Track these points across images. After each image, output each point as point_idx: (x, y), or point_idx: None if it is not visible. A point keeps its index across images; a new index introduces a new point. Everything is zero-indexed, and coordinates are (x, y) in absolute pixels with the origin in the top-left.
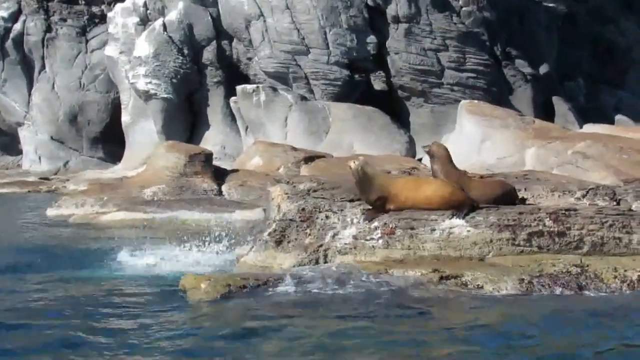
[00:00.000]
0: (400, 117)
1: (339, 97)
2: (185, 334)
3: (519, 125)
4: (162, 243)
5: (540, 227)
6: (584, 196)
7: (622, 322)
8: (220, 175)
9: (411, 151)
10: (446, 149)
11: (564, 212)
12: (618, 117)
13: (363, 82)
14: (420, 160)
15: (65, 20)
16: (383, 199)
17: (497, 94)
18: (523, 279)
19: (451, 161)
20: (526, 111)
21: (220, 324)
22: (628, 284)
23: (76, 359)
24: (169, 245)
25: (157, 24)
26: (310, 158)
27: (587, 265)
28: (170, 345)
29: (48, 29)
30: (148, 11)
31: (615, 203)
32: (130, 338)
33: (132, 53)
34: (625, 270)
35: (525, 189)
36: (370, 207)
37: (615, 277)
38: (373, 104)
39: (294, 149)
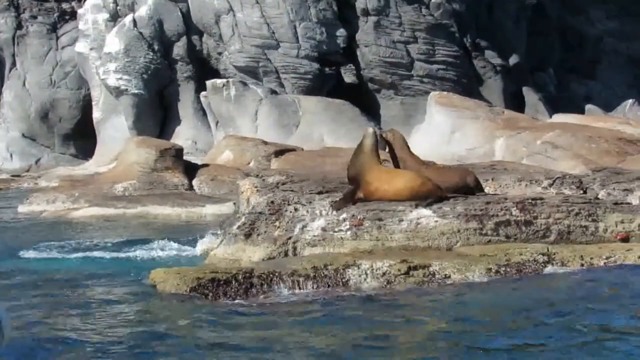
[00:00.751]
0: (371, 110)
1: (310, 91)
2: (154, 326)
3: (488, 116)
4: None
5: (508, 217)
6: (550, 185)
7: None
8: (191, 170)
9: (381, 144)
10: (402, 136)
11: (530, 201)
12: (588, 106)
13: (333, 75)
14: None
15: (35, 17)
16: (357, 181)
17: (467, 85)
18: (490, 268)
19: (408, 147)
20: (497, 102)
21: (188, 317)
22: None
23: (46, 352)
24: None
25: (127, 20)
26: (280, 151)
27: (554, 254)
28: (140, 337)
29: (18, 26)
30: (118, 7)
31: (582, 192)
32: (98, 331)
33: (102, 49)
34: (592, 258)
35: (492, 179)
36: (339, 198)
37: (582, 264)
38: (344, 96)
39: (265, 142)
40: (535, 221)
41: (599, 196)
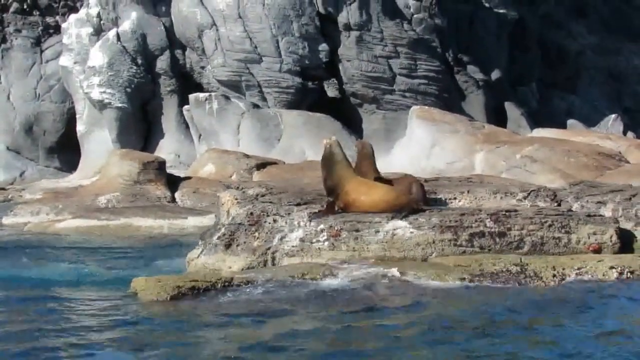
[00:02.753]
0: (352, 124)
1: (292, 105)
2: (136, 333)
3: (468, 131)
4: None
5: (482, 228)
6: (525, 198)
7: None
8: (173, 183)
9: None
10: (370, 148)
11: (504, 213)
12: (570, 121)
13: (316, 89)
14: None
15: (20, 31)
16: (335, 191)
17: (449, 100)
18: (464, 278)
19: (371, 158)
20: (479, 116)
21: (169, 324)
22: (566, 282)
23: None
24: None
25: (111, 34)
26: (262, 164)
27: (527, 264)
28: (121, 343)
29: (3, 40)
30: (102, 22)
31: (556, 204)
32: (82, 338)
33: (86, 63)
34: (564, 269)
35: (468, 192)
36: (320, 209)
37: (554, 275)
38: (326, 110)
39: (247, 156)
40: (509, 233)
41: (573, 208)
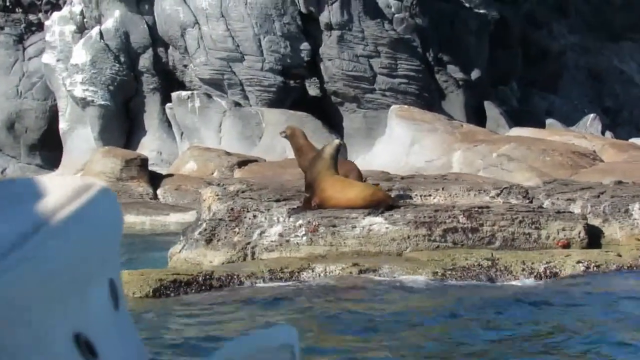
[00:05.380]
0: (333, 122)
1: (274, 103)
2: None
3: (447, 129)
4: None
5: (455, 224)
6: (498, 195)
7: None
8: (155, 180)
9: (343, 156)
10: (300, 130)
11: (477, 209)
12: (549, 121)
13: (297, 88)
14: None
15: (2, 28)
16: (312, 187)
17: (429, 99)
18: (437, 272)
19: (306, 138)
20: (459, 116)
21: (151, 316)
22: (535, 276)
23: None
24: None
25: (94, 32)
26: (243, 162)
27: (498, 259)
28: None
29: None
30: (85, 19)
31: (528, 201)
32: None
33: (69, 61)
34: (533, 263)
35: (443, 189)
36: (299, 205)
37: (524, 269)
38: (307, 109)
39: (228, 153)
40: (481, 228)
41: (544, 205)
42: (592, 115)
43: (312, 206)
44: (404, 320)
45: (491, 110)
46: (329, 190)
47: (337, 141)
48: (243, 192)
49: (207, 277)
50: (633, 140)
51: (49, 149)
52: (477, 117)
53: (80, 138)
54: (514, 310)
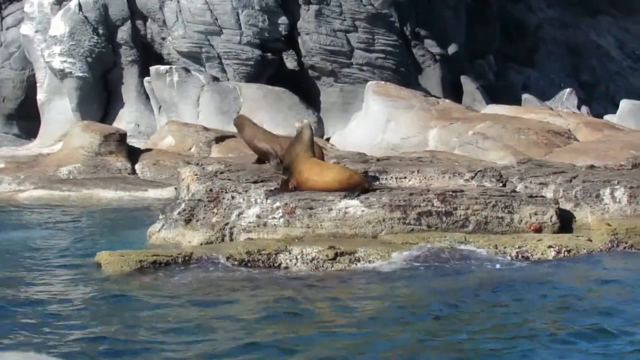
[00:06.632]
0: (310, 96)
1: (251, 77)
2: (101, 305)
3: (423, 106)
4: None
5: (429, 207)
6: (472, 178)
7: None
8: (134, 155)
9: (320, 131)
10: (247, 117)
11: (451, 193)
12: (525, 96)
13: (275, 62)
14: (328, 140)
15: None
16: (290, 170)
17: (406, 74)
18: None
19: (255, 124)
20: (435, 90)
21: (132, 296)
22: (507, 258)
23: None
24: None
25: (73, 3)
26: (221, 138)
27: (471, 242)
28: (85, 313)
29: None
30: None
31: (501, 184)
32: (47, 308)
33: (47, 32)
34: (505, 247)
35: (418, 171)
36: (276, 187)
37: (496, 253)
38: (284, 84)
39: (206, 129)
40: (455, 212)
41: (517, 189)
42: (568, 90)
43: (289, 188)
44: (377, 307)
45: (468, 84)
46: (306, 173)
47: (306, 121)
48: (221, 172)
49: (186, 258)
50: (607, 116)
51: (26, 119)
52: (453, 91)
53: (58, 109)
54: (485, 294)
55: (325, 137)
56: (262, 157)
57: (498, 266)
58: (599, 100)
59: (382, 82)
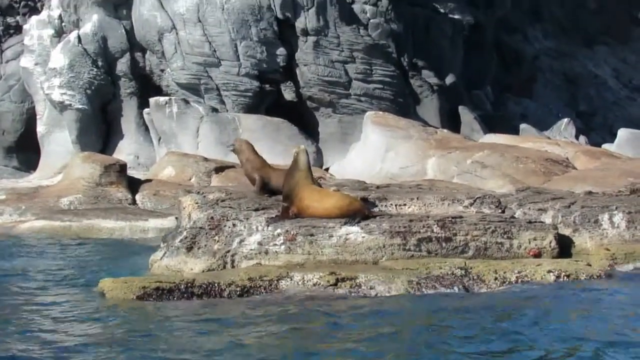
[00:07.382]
0: (309, 127)
1: (250, 108)
2: (105, 331)
3: (421, 136)
4: None
5: (429, 233)
6: (471, 204)
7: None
8: (134, 185)
9: (319, 161)
10: (248, 142)
11: (450, 219)
12: (523, 126)
13: (273, 93)
14: (327, 169)
15: None
16: (290, 197)
17: (404, 104)
18: (411, 280)
19: (255, 152)
20: (433, 120)
21: (135, 322)
22: (507, 285)
23: None
24: None
25: (72, 36)
26: (221, 168)
27: (471, 268)
28: (92, 340)
29: None
30: (63, 23)
31: (500, 211)
32: (51, 335)
33: (47, 64)
34: (505, 272)
35: (417, 198)
36: (277, 214)
37: (496, 278)
38: (283, 114)
39: (205, 159)
40: (454, 238)
41: (516, 215)
42: (566, 120)
43: (290, 215)
44: (379, 330)
45: (465, 115)
46: (306, 200)
47: (302, 146)
48: (222, 200)
49: (189, 285)
50: (606, 145)
51: (26, 151)
52: (451, 121)
53: (58, 141)
54: (486, 319)
55: (324, 167)
56: (252, 183)
57: (498, 292)
58: (597, 130)
59: (381, 113)
